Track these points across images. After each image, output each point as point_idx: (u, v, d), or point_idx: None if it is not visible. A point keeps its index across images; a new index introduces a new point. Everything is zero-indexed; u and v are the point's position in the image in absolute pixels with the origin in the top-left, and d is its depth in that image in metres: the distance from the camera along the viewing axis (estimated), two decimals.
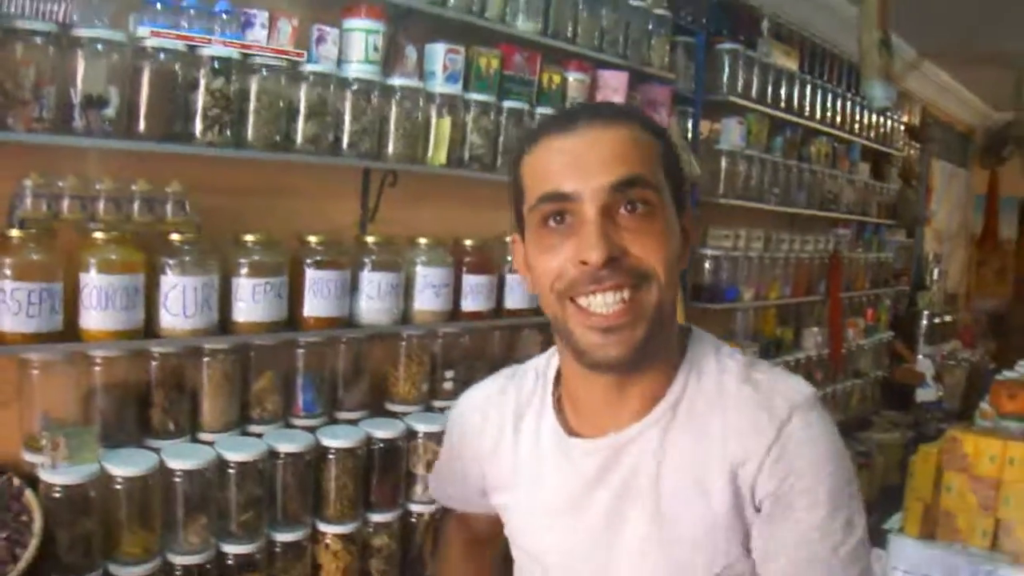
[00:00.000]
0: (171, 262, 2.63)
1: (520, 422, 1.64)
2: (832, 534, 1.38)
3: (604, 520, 1.50)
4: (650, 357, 1.44)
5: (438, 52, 3.34)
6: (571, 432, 1.56)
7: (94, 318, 2.49)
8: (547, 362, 1.68)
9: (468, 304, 3.44)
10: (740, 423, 1.42)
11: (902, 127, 8.30)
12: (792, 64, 5.99)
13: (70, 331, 2.50)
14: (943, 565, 1.97)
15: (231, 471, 2.74)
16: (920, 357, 8.10)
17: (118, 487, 2.51)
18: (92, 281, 2.48)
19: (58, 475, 2.41)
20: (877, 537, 2.04)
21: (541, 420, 1.61)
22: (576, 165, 1.37)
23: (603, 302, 1.36)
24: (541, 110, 3.71)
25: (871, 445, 6.67)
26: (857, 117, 7.10)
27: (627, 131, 1.40)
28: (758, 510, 1.41)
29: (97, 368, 2.63)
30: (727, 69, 5.19)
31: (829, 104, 6.56)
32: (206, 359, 2.81)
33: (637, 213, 1.37)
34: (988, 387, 2.73)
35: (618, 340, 1.37)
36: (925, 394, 7.64)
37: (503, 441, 1.65)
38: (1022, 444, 1.96)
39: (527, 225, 1.47)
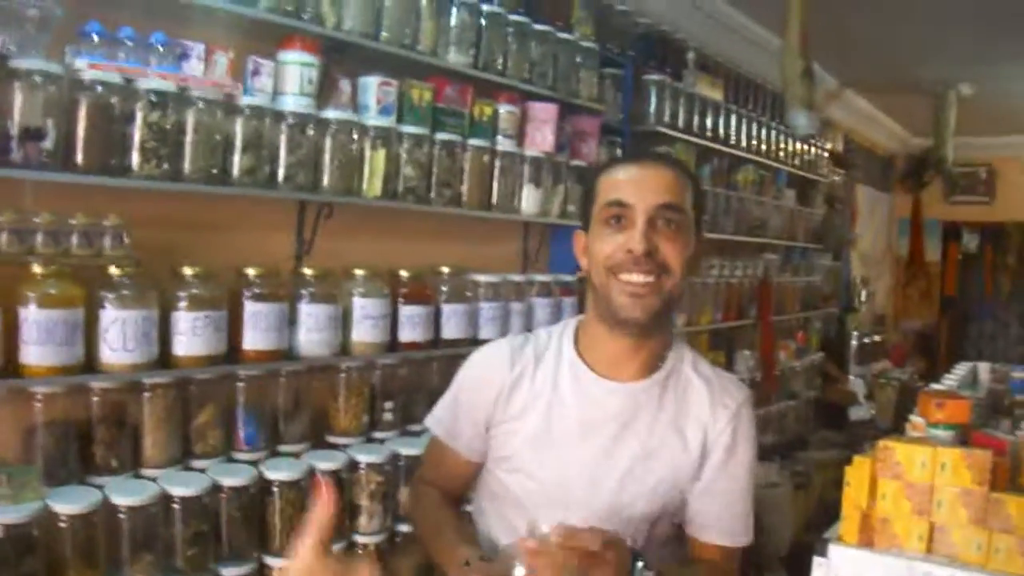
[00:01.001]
0: (110, 296, 2.62)
1: (539, 363, 2.12)
2: (748, 479, 2.13)
3: (608, 442, 2.04)
4: (657, 327, 2.02)
5: (371, 85, 3.36)
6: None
7: (34, 353, 2.47)
8: (562, 327, 2.21)
9: (406, 335, 3.46)
10: (712, 397, 2.10)
11: (826, 154, 8.43)
12: (718, 95, 6.07)
13: (10, 367, 2.49)
14: (882, 570, 2.02)
15: (176, 506, 2.72)
16: (852, 377, 8.23)
17: (62, 525, 2.48)
18: (31, 316, 2.46)
19: (1, 514, 2.37)
20: (819, 547, 2.08)
21: (560, 362, 2.11)
22: (637, 186, 1.98)
23: (638, 279, 1.93)
24: (473, 142, 3.74)
25: (808, 464, 6.76)
26: (782, 145, 7.20)
27: (674, 173, 2.02)
28: (707, 457, 2.07)
29: (38, 404, 2.60)
30: (654, 100, 5.24)
31: (755, 133, 6.65)
32: (147, 394, 2.79)
33: (671, 228, 1.96)
34: (918, 404, 2.79)
35: (641, 305, 1.94)
36: (858, 412, 7.75)
37: (523, 378, 2.11)
38: (952, 450, 2.01)
39: (593, 221, 2.04)
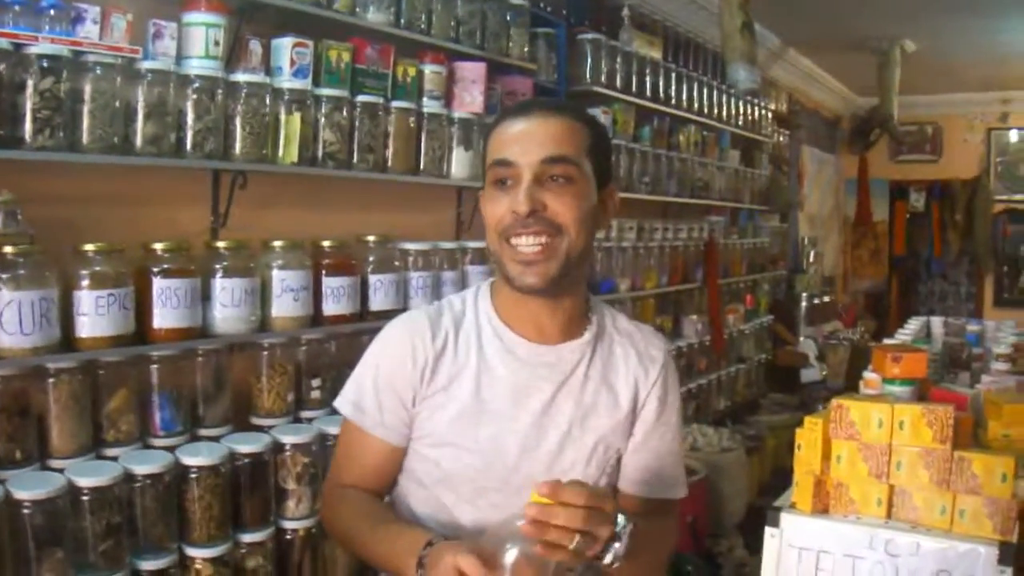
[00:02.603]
0: (4, 277, 2.47)
1: (459, 331, 2.02)
2: (680, 428, 2.15)
3: (543, 406, 1.97)
4: (566, 288, 1.94)
5: (285, 46, 3.23)
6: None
7: None
8: (474, 292, 2.11)
9: (330, 307, 3.32)
10: (639, 351, 2.09)
11: (769, 114, 8.37)
12: (656, 53, 5.99)
13: None
14: (839, 538, 1.90)
15: (85, 498, 2.56)
16: (802, 339, 8.20)
17: None
18: None
19: None
20: (770, 517, 1.95)
21: (481, 328, 2.02)
22: (520, 142, 1.87)
23: (526, 243, 1.85)
24: (397, 104, 3.62)
25: (761, 428, 6.72)
26: (724, 105, 7.12)
27: (562, 120, 1.90)
28: (639, 412, 2.06)
29: None
30: (590, 59, 5.14)
31: (695, 93, 6.56)
32: (51, 380, 2.64)
33: (559, 182, 1.86)
34: (869, 364, 2.68)
35: (535, 272, 1.86)
36: (809, 374, 7.73)
37: (447, 348, 1.99)
38: (911, 406, 1.90)
39: (485, 183, 1.95)
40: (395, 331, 2.05)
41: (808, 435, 1.98)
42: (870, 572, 1.87)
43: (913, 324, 3.93)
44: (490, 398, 1.97)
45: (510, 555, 1.60)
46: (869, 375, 2.50)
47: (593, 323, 2.06)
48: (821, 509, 1.95)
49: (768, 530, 1.99)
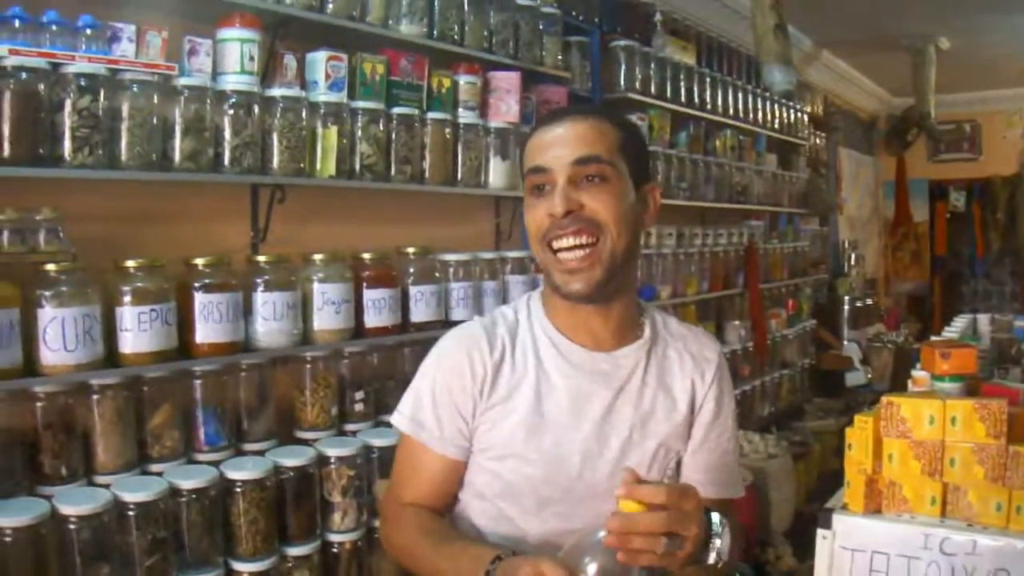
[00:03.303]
0: (47, 294, 2.48)
1: (515, 341, 2.02)
2: (735, 428, 2.17)
3: (603, 414, 1.98)
4: (614, 293, 1.96)
5: (320, 60, 3.23)
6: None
7: None
8: (525, 301, 2.12)
9: (371, 320, 3.31)
10: (694, 354, 2.10)
11: (805, 117, 8.31)
12: (689, 59, 5.95)
13: None
14: (893, 538, 1.87)
15: (131, 513, 2.57)
16: (845, 342, 8.12)
17: (7, 539, 2.34)
18: None
19: None
20: (822, 518, 1.93)
21: (537, 338, 2.03)
22: (552, 147, 1.91)
23: (568, 245, 1.87)
24: (432, 115, 3.62)
25: (806, 434, 6.65)
26: (760, 108, 7.07)
27: (592, 123, 1.92)
28: (698, 413, 2.07)
29: None
30: (623, 66, 5.12)
31: (730, 97, 6.52)
32: (95, 396, 2.65)
33: (594, 182, 1.88)
34: (914, 367, 2.64)
35: (580, 278, 1.88)
36: (854, 378, 7.65)
37: (504, 360, 2.00)
38: (963, 401, 1.86)
39: (525, 192, 1.97)
40: (451, 344, 2.06)
41: (859, 434, 1.95)
42: (926, 572, 1.84)
43: (959, 322, 3.88)
44: (550, 408, 1.97)
45: (591, 568, 1.60)
46: (918, 373, 2.46)
47: (646, 327, 2.07)
48: (874, 509, 1.92)
49: (820, 532, 1.95)
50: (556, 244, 1.88)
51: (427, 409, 2.01)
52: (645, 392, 2.02)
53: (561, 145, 1.89)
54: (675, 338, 2.11)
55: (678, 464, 2.08)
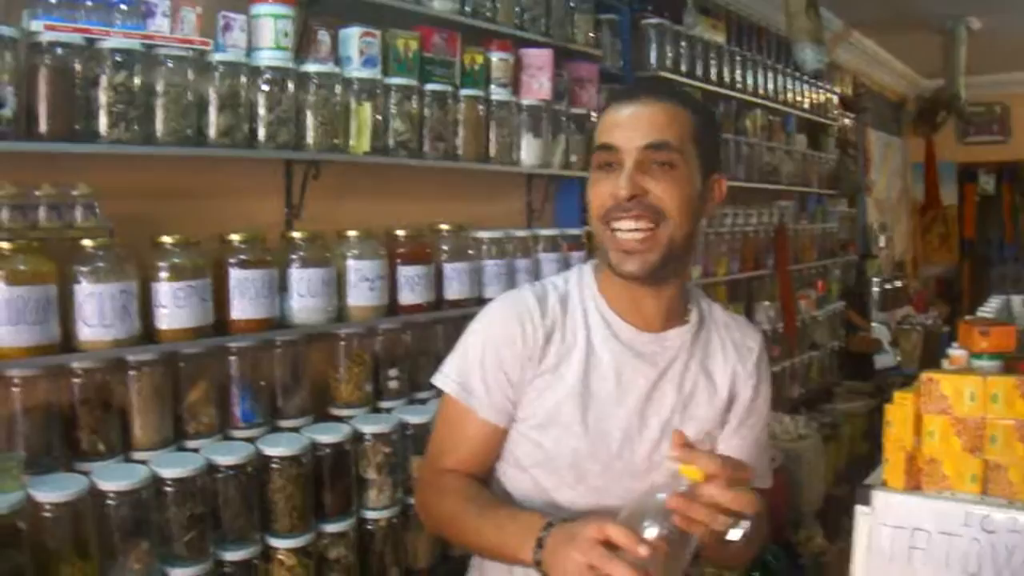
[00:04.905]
0: (84, 270, 2.48)
1: (566, 312, 2.00)
2: (768, 419, 2.17)
3: (646, 393, 1.96)
4: (668, 275, 1.92)
5: (353, 36, 3.23)
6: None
7: (5, 335, 2.33)
8: (577, 273, 2.09)
9: (406, 297, 3.31)
10: (736, 342, 2.09)
11: (835, 98, 8.26)
12: (720, 37, 5.92)
13: None
14: (933, 515, 1.86)
15: (169, 489, 2.58)
16: (875, 325, 8.08)
17: (47, 515, 2.34)
18: (0, 295, 2.32)
19: None
20: (860, 495, 1.92)
21: (588, 311, 2.00)
22: (624, 127, 1.87)
23: (627, 227, 1.84)
24: (465, 92, 3.61)
25: (836, 416, 6.63)
26: (790, 88, 7.04)
27: (667, 106, 1.88)
28: (735, 402, 2.06)
29: (15, 389, 2.46)
30: (654, 44, 5.09)
31: (760, 76, 6.48)
32: (132, 372, 2.65)
33: (662, 168, 1.84)
34: (943, 350, 2.62)
35: (636, 260, 1.86)
36: (884, 360, 7.62)
37: (555, 329, 1.98)
38: (1005, 378, 1.85)
39: (591, 167, 1.94)
40: (502, 310, 2.03)
41: (899, 411, 1.94)
42: (966, 550, 1.82)
43: (994, 303, 3.85)
44: (596, 381, 1.96)
45: (649, 532, 1.58)
46: (955, 351, 2.43)
47: (693, 312, 2.05)
48: (913, 486, 1.91)
49: (859, 508, 1.94)
50: (615, 224, 1.85)
51: (475, 374, 1.97)
52: (687, 375, 2.00)
53: (633, 126, 1.86)
54: (719, 325, 2.10)
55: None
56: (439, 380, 2.03)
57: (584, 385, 1.94)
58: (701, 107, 2.00)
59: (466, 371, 1.99)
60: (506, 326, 1.98)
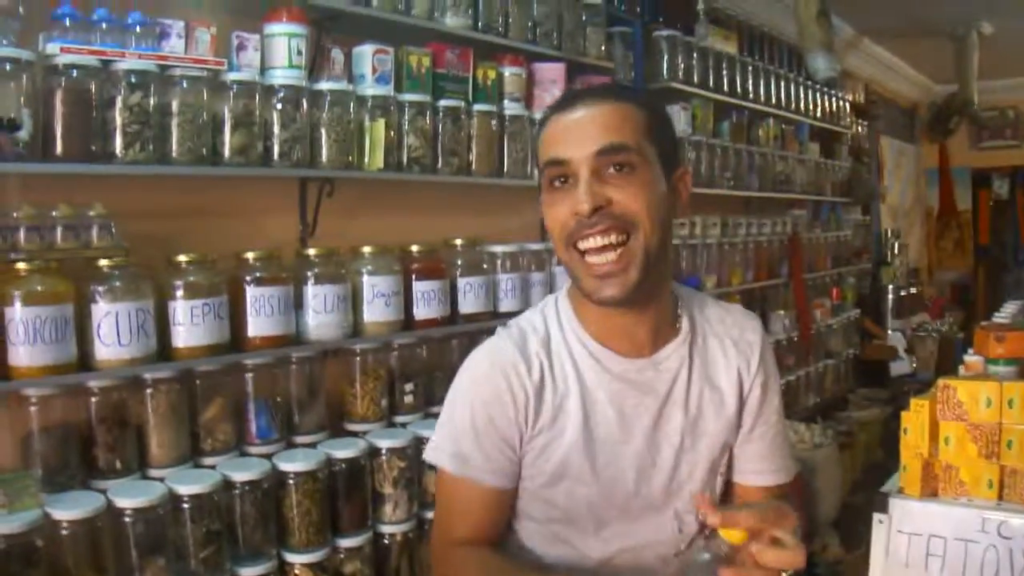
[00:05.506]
0: (101, 289, 2.50)
1: (551, 356, 1.86)
2: (782, 407, 2.03)
3: (652, 423, 1.85)
4: (650, 291, 1.79)
5: (366, 54, 3.25)
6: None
7: (23, 354, 2.36)
8: (553, 305, 1.94)
9: (421, 312, 3.32)
10: (735, 339, 1.94)
11: (847, 105, 8.25)
12: (731, 48, 5.93)
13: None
14: (950, 522, 1.86)
15: (185, 506, 2.60)
16: (890, 332, 8.07)
17: (64, 532, 2.36)
18: (18, 315, 2.35)
19: None
20: (878, 502, 1.92)
21: (571, 350, 1.86)
22: (571, 135, 1.73)
23: (596, 245, 1.69)
24: (478, 107, 3.63)
25: (851, 424, 6.61)
26: (802, 97, 7.04)
27: (614, 105, 1.74)
28: (746, 402, 1.94)
29: (32, 408, 2.49)
30: (666, 56, 5.11)
31: (773, 86, 6.50)
32: (149, 390, 2.68)
33: (621, 173, 1.70)
34: (959, 356, 2.62)
35: (613, 284, 1.71)
36: (899, 367, 7.60)
37: (545, 379, 1.83)
38: (1020, 384, 1.85)
39: (541, 187, 1.80)
40: (483, 367, 1.87)
41: (915, 418, 1.94)
42: (983, 556, 1.83)
43: (1010, 307, 3.84)
44: (598, 425, 1.83)
45: None
46: (970, 358, 2.43)
47: (684, 320, 1.91)
48: (930, 493, 1.91)
49: (876, 516, 1.95)
50: (583, 245, 1.71)
51: (469, 442, 1.83)
52: (692, 392, 1.88)
53: (581, 133, 1.71)
54: (714, 324, 1.95)
55: (730, 455, 1.96)
56: (430, 455, 1.90)
57: (586, 433, 1.82)
58: (649, 101, 1.85)
59: (458, 439, 1.84)
60: (492, 387, 1.82)
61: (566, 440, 1.82)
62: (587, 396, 1.83)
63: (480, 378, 1.85)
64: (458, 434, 1.84)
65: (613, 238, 1.69)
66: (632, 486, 1.84)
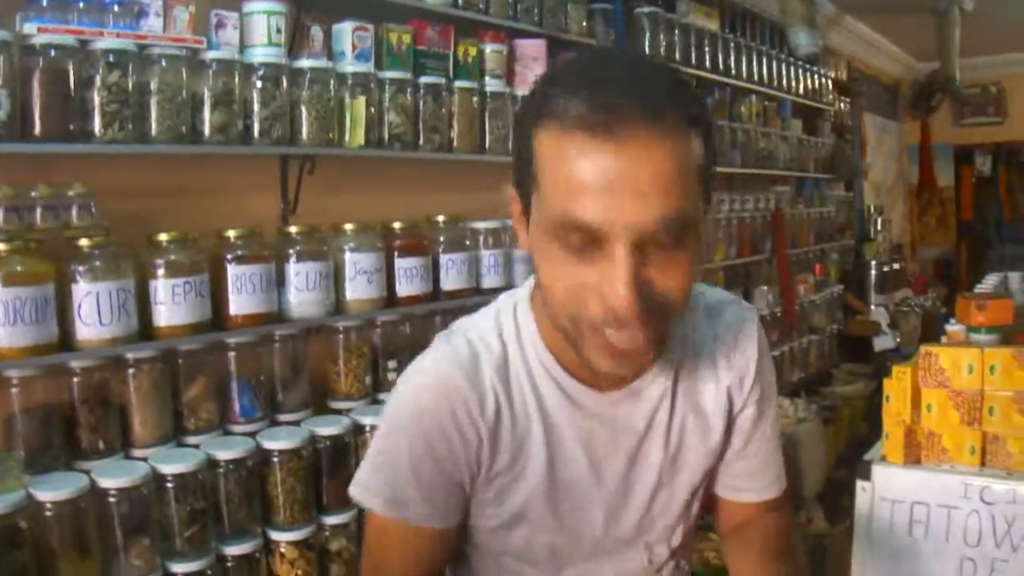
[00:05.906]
0: (81, 269, 2.49)
1: (509, 389, 1.49)
2: (778, 418, 1.70)
3: (627, 462, 1.55)
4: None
5: (346, 31, 3.24)
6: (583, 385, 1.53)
7: (3, 336, 2.34)
8: (511, 314, 1.55)
9: (403, 289, 3.32)
10: (727, 353, 1.60)
11: (830, 82, 8.25)
12: (713, 25, 5.91)
13: None
14: (933, 488, 1.87)
15: (169, 485, 2.60)
16: (873, 307, 8.09)
17: (48, 514, 2.36)
18: None
19: None
20: (861, 469, 1.93)
21: (533, 378, 1.51)
22: (614, 193, 1.20)
23: (626, 337, 1.28)
24: (459, 83, 3.62)
25: (835, 399, 6.63)
26: (784, 74, 7.03)
27: (677, 143, 1.23)
28: (736, 421, 1.63)
29: (14, 389, 2.48)
30: (648, 33, 5.08)
31: (755, 63, 6.49)
32: (131, 370, 2.67)
33: (673, 248, 1.25)
34: (942, 331, 2.63)
35: (630, 364, 1.37)
36: (882, 342, 7.62)
37: (501, 414, 1.48)
38: (1002, 350, 1.86)
39: (535, 221, 1.34)
40: (426, 398, 1.47)
41: (897, 385, 1.95)
42: (966, 521, 1.84)
43: (991, 279, 3.87)
44: (565, 467, 1.53)
45: None
46: (952, 327, 2.45)
47: (670, 339, 1.52)
48: (913, 460, 1.93)
49: (859, 483, 1.96)
50: (608, 330, 1.29)
51: (407, 485, 1.48)
52: (674, 422, 1.57)
53: (631, 191, 1.20)
54: (700, 330, 1.60)
55: (712, 474, 1.70)
56: (357, 494, 1.56)
57: (551, 477, 1.52)
58: (701, 106, 1.33)
59: (395, 484, 1.49)
60: (436, 420, 1.46)
61: (527, 485, 1.53)
62: (552, 434, 1.51)
63: (422, 411, 1.47)
64: (395, 476, 1.49)
65: (651, 330, 1.30)
66: (600, 529, 1.58)
